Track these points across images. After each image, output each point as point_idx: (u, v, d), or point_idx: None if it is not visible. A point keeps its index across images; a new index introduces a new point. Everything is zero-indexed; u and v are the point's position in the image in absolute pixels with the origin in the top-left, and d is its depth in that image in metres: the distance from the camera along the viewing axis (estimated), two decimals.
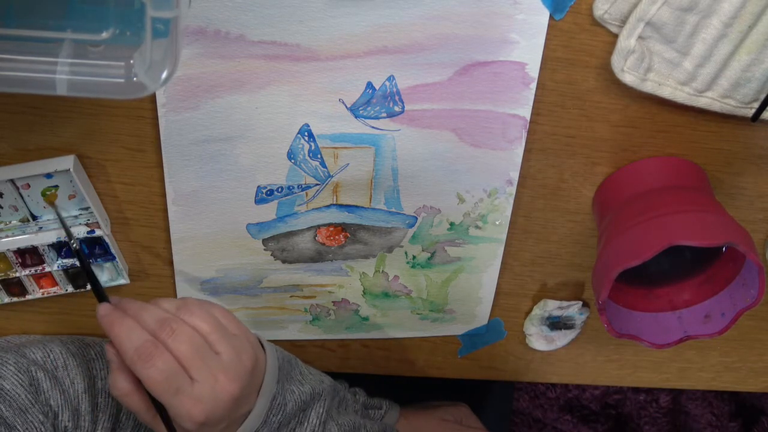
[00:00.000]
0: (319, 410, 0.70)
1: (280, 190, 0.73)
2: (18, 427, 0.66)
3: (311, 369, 0.74)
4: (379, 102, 0.69)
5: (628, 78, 0.66)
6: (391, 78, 0.67)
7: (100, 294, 0.64)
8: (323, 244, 0.78)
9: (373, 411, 0.87)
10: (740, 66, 0.65)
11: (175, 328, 0.60)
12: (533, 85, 0.69)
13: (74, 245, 0.65)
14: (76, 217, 0.73)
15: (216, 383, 0.60)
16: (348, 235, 0.77)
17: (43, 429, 0.67)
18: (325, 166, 0.72)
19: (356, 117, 0.69)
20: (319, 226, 0.76)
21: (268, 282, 0.80)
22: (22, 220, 0.73)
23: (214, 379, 0.60)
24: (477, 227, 0.78)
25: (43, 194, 0.71)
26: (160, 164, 0.71)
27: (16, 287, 0.76)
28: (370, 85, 0.68)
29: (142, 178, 0.72)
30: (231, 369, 0.61)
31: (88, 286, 0.76)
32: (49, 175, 0.70)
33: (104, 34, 0.51)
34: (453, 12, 0.64)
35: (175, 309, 0.62)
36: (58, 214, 0.68)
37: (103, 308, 0.61)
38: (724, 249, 0.74)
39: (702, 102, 0.68)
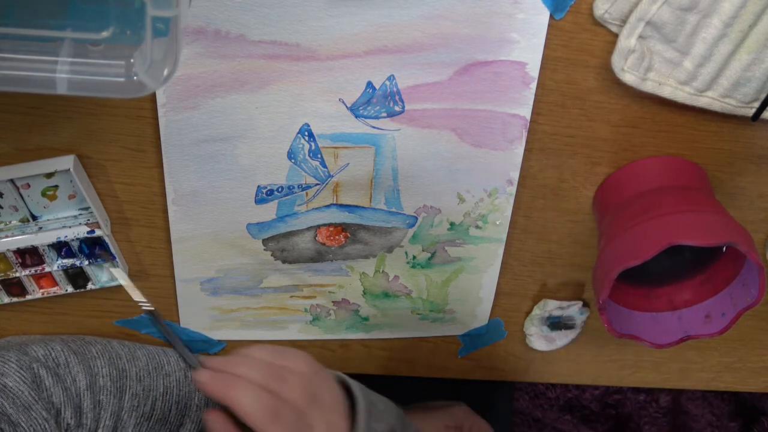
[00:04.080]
0: None
1: (280, 189, 0.73)
2: (22, 424, 0.66)
3: (379, 397, 0.72)
4: (380, 102, 0.69)
5: (629, 78, 0.66)
6: (391, 78, 0.67)
7: (192, 360, 0.62)
8: (323, 244, 0.78)
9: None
10: (740, 65, 0.65)
11: (285, 376, 0.59)
12: (533, 85, 0.69)
13: (149, 307, 0.63)
14: (75, 217, 0.73)
15: (330, 426, 0.59)
16: (348, 235, 0.77)
17: (47, 425, 0.67)
18: (325, 166, 0.72)
19: (356, 117, 0.69)
20: (319, 226, 0.76)
21: (269, 282, 0.80)
22: (22, 220, 0.73)
23: (328, 421, 0.59)
24: (477, 227, 0.78)
25: (43, 194, 0.71)
26: (160, 164, 0.71)
27: (16, 287, 0.76)
28: (370, 84, 0.68)
29: (142, 178, 0.72)
30: (335, 408, 0.60)
31: (89, 286, 0.76)
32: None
33: (104, 33, 0.51)
34: (453, 11, 0.64)
35: (270, 356, 0.60)
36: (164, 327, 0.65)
37: (203, 374, 0.58)
38: (724, 249, 0.74)
39: (702, 102, 0.68)
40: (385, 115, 0.69)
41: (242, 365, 0.59)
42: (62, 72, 0.49)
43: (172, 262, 0.77)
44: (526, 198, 0.77)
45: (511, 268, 0.82)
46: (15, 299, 0.77)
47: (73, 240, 0.73)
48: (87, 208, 0.73)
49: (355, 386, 0.66)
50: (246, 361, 0.60)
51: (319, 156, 0.72)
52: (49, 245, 0.73)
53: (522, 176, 0.75)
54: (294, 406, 0.58)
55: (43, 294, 0.77)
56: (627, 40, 0.64)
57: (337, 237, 0.77)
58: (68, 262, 0.75)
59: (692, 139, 0.73)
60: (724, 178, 0.76)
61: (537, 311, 0.85)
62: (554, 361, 0.92)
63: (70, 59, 0.49)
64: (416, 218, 0.77)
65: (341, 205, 0.75)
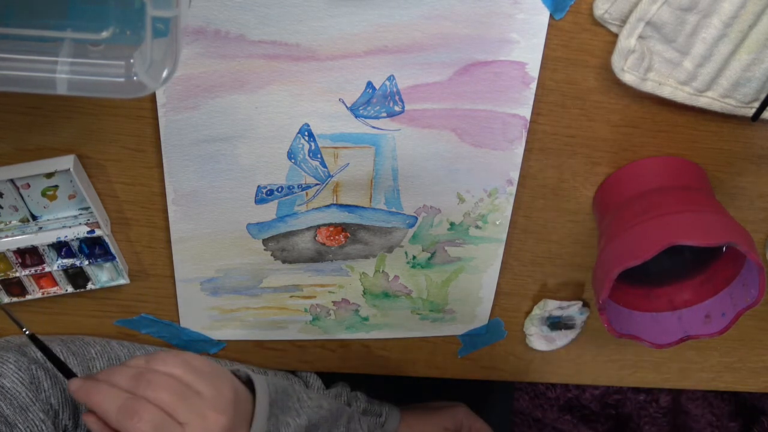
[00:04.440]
0: None
1: (280, 189, 0.73)
2: (19, 425, 0.66)
3: (311, 393, 0.73)
4: (379, 102, 0.69)
5: (629, 78, 0.66)
6: (391, 78, 0.67)
7: (66, 370, 0.65)
8: (323, 244, 0.78)
9: (373, 418, 0.87)
10: (740, 66, 0.65)
11: (151, 378, 0.61)
12: (533, 85, 0.69)
13: (27, 332, 0.66)
14: (76, 217, 0.73)
15: (205, 420, 0.60)
16: (348, 235, 0.77)
17: (44, 427, 0.67)
18: (325, 166, 0.72)
19: (356, 117, 0.69)
20: (319, 226, 0.76)
21: (268, 282, 0.80)
22: (22, 220, 0.73)
23: (202, 417, 0.60)
24: (477, 227, 0.78)
25: (43, 194, 0.71)
26: (160, 164, 0.71)
27: (16, 287, 0.76)
28: (370, 84, 0.68)
29: (142, 178, 0.72)
30: (215, 403, 0.61)
31: (89, 286, 0.77)
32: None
33: (104, 34, 0.51)
34: (453, 11, 0.64)
35: (144, 363, 0.63)
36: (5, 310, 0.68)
37: (74, 382, 0.61)
38: (724, 249, 0.74)
39: (702, 102, 0.68)
40: (385, 115, 0.69)
41: (109, 373, 0.62)
42: (62, 72, 0.49)
43: (172, 262, 0.77)
44: (526, 198, 0.77)
45: (511, 268, 0.82)
46: (15, 299, 0.77)
47: (73, 240, 0.73)
48: (87, 208, 0.73)
49: (259, 381, 0.68)
50: (115, 370, 0.63)
51: (319, 156, 0.72)
52: (49, 245, 0.73)
53: (522, 176, 0.75)
54: (160, 405, 0.60)
55: (43, 294, 0.77)
56: (627, 40, 0.64)
57: (337, 237, 0.77)
58: (68, 262, 0.75)
59: (692, 139, 0.73)
60: (724, 178, 0.76)
61: (537, 311, 0.85)
62: (554, 361, 0.92)
63: (70, 59, 0.49)
64: (416, 218, 0.77)
65: (341, 205, 0.75)
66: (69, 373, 0.64)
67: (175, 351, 0.65)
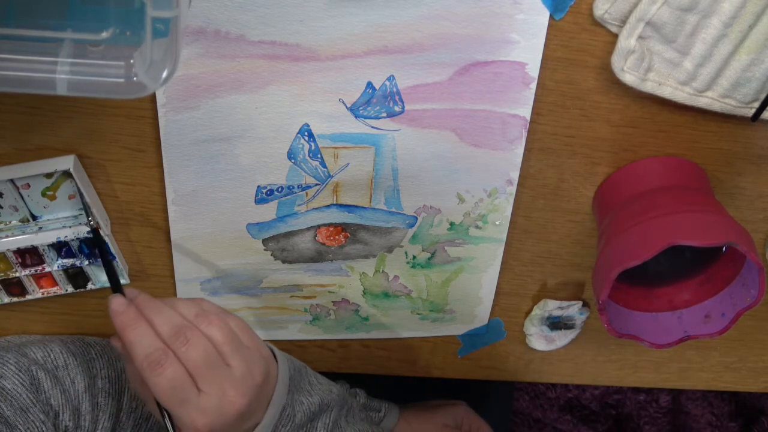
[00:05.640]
0: (326, 420, 0.70)
1: (280, 190, 0.73)
2: (20, 426, 0.66)
3: (320, 378, 0.73)
4: (379, 102, 0.69)
5: (628, 78, 0.66)
6: (391, 78, 0.67)
7: (115, 283, 0.62)
8: (323, 244, 0.78)
9: (372, 413, 0.87)
10: (740, 66, 0.65)
11: (190, 337, 0.59)
12: (533, 85, 0.69)
13: (92, 223, 0.64)
14: (75, 217, 0.73)
15: (224, 396, 0.59)
16: (348, 235, 0.77)
17: (44, 428, 0.67)
18: (325, 166, 0.72)
19: (356, 117, 0.69)
20: (319, 226, 0.76)
21: (268, 282, 0.80)
22: (22, 220, 0.73)
23: (223, 392, 0.59)
24: (477, 227, 0.78)
25: (43, 194, 0.71)
26: (160, 164, 0.71)
27: (16, 287, 0.76)
28: (370, 85, 0.68)
29: (142, 178, 0.72)
30: (241, 383, 0.60)
31: (89, 286, 0.77)
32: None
33: (104, 34, 0.51)
34: (453, 12, 0.64)
35: (192, 316, 0.61)
36: (80, 191, 0.67)
37: (117, 303, 0.59)
38: (724, 249, 0.74)
39: (702, 102, 0.68)
40: (385, 115, 0.69)
41: (156, 311, 0.60)
42: (62, 73, 0.49)
43: (172, 262, 0.77)
44: (526, 198, 0.77)
45: (511, 268, 0.82)
46: (15, 299, 0.77)
47: (73, 240, 0.73)
48: None
49: (280, 355, 0.67)
50: (162, 309, 0.60)
51: (319, 156, 0.72)
52: (49, 245, 0.73)
53: (522, 176, 0.75)
54: (187, 365, 0.59)
55: (43, 294, 0.77)
56: (627, 41, 0.64)
57: (337, 237, 0.77)
58: (68, 262, 0.75)
59: (692, 139, 0.73)
60: (724, 178, 0.76)
61: (537, 311, 0.85)
62: (554, 361, 0.92)
63: (69, 60, 0.49)
64: (416, 218, 0.77)
65: (341, 205, 0.75)
66: (116, 287, 0.61)
67: (224, 313, 0.63)
